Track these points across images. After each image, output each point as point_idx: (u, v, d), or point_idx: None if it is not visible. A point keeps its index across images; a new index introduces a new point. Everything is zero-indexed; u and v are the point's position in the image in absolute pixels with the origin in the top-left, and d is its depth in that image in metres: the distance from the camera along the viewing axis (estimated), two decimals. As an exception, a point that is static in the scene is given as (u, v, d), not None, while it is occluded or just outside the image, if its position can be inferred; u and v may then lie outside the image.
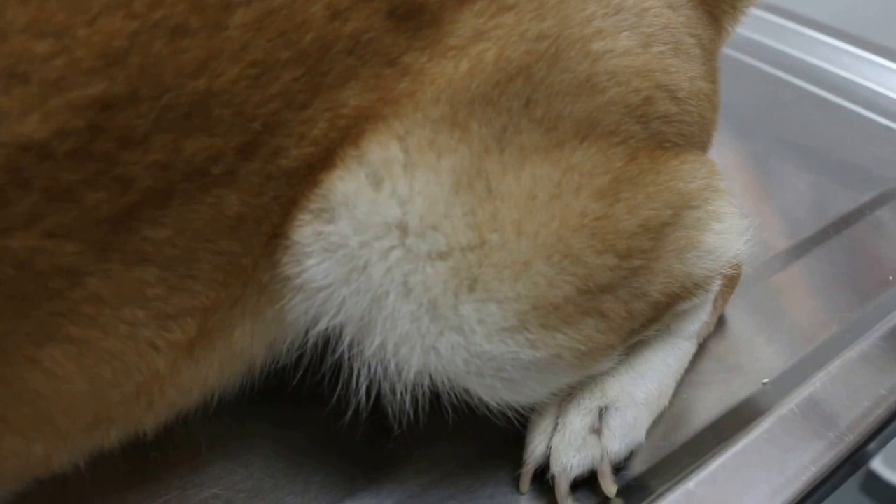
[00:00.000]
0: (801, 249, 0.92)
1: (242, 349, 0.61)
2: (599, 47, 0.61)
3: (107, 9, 0.48)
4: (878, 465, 1.39)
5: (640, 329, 0.67)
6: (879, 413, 0.68)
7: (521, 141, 0.59)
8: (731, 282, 0.79)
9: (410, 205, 0.57)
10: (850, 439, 0.66)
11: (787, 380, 0.74)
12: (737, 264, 0.75)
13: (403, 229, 0.58)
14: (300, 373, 0.65)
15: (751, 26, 1.05)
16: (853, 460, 0.66)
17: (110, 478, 0.63)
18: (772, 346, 0.81)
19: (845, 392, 0.70)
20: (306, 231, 0.58)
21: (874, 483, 1.46)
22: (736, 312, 0.83)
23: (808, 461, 0.64)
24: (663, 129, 0.64)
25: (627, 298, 0.62)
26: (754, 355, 0.79)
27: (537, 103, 0.59)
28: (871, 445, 0.68)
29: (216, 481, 0.66)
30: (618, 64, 0.61)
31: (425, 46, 0.58)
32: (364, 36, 0.56)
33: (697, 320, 0.75)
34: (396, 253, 0.58)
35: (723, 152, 0.85)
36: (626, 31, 0.62)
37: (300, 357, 0.64)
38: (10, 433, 0.52)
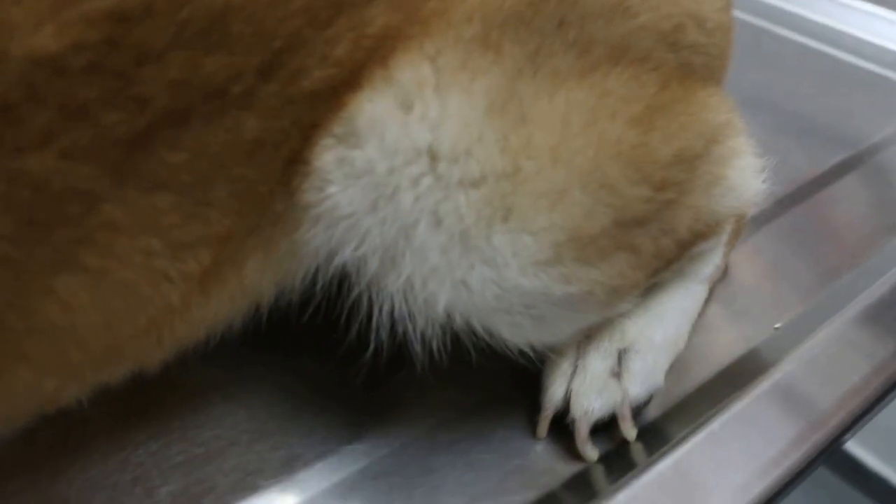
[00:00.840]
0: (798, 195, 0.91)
1: (253, 283, 0.58)
2: None
3: None
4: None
5: (663, 268, 0.65)
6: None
7: (554, 64, 0.56)
8: (738, 227, 0.78)
9: (443, 129, 0.55)
10: (876, 383, 0.65)
11: (799, 325, 0.73)
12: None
13: (434, 155, 0.55)
14: (306, 315, 0.62)
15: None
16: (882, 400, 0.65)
17: (111, 418, 0.61)
18: (779, 292, 0.79)
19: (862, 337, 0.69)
20: (329, 156, 0.55)
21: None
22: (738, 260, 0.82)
23: (834, 404, 0.63)
24: (691, 59, 0.62)
25: (657, 234, 0.61)
26: (762, 301, 0.78)
27: (570, 25, 0.57)
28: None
29: (218, 422, 0.63)
30: None
31: None
32: None
33: (711, 263, 0.73)
34: (427, 180, 0.55)
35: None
36: None
37: (307, 300, 0.62)
38: (27, 367, 0.51)
